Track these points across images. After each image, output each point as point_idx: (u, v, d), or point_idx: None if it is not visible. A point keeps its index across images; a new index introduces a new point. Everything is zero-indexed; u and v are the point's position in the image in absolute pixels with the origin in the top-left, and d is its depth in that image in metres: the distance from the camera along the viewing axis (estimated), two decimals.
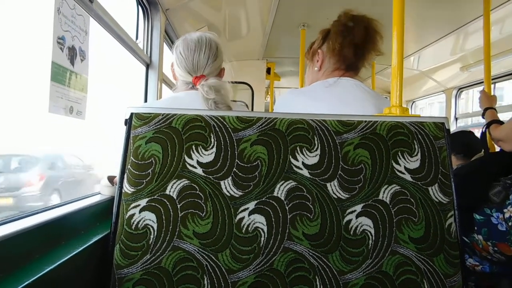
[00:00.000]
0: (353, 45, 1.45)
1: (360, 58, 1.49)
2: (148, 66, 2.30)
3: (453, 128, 3.77)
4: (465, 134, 2.66)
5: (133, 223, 0.96)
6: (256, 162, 0.99)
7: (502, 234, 1.57)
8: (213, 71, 1.40)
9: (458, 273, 0.97)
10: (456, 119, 3.93)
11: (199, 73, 1.37)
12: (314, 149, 1.00)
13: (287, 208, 0.98)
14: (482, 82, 2.27)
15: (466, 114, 3.92)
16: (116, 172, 1.04)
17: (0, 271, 0.72)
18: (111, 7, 1.52)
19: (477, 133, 2.66)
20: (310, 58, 1.66)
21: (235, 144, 1.00)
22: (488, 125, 1.86)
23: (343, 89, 1.43)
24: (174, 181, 0.98)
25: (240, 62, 4.22)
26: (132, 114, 1.01)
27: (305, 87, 1.58)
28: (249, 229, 0.97)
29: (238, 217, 0.97)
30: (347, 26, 1.47)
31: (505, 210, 1.56)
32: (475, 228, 1.66)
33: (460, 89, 3.92)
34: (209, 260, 0.95)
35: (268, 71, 4.45)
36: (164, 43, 2.49)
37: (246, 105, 4.46)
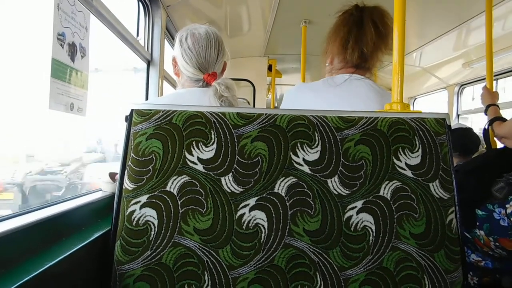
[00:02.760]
0: (360, 49, 1.44)
1: (369, 58, 1.47)
2: (149, 63, 2.30)
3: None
4: (461, 131, 2.65)
5: (133, 219, 0.96)
6: (257, 159, 0.99)
7: (504, 229, 1.57)
8: (220, 67, 1.40)
9: (459, 268, 0.97)
10: (458, 115, 3.92)
11: (210, 70, 1.35)
12: (315, 145, 1.00)
13: (287, 204, 0.98)
14: (485, 78, 2.26)
15: (468, 111, 3.91)
16: (117, 168, 1.04)
17: (0, 266, 0.72)
18: (112, 3, 1.52)
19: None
20: (323, 51, 1.64)
21: (236, 140, 1.00)
22: (491, 122, 1.86)
23: (349, 87, 1.42)
24: (175, 177, 0.98)
25: (241, 59, 4.22)
26: (132, 110, 1.01)
27: (313, 82, 1.57)
28: (250, 225, 0.97)
29: (239, 213, 0.97)
30: (356, 25, 1.44)
31: (507, 206, 1.56)
32: (477, 223, 1.66)
33: (462, 85, 3.90)
34: (209, 256, 0.95)
35: (270, 68, 4.44)
36: (165, 40, 2.49)
37: (248, 102, 4.47)
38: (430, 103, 4.85)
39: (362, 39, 1.43)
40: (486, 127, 1.92)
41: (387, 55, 1.49)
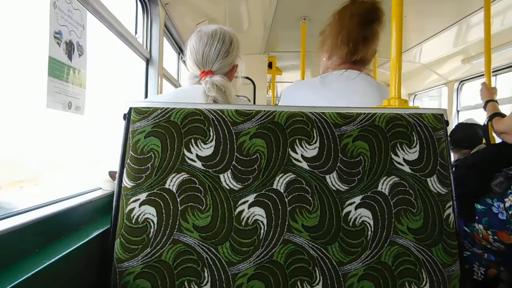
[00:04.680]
0: (358, 43, 1.43)
1: (366, 53, 1.46)
2: (148, 61, 2.29)
3: (455, 121, 3.76)
4: (467, 127, 2.68)
5: (133, 217, 0.96)
6: (255, 155, 0.99)
7: (502, 223, 1.58)
8: (223, 68, 1.35)
9: (456, 262, 0.98)
10: (458, 111, 3.92)
11: (207, 68, 1.32)
12: (313, 141, 1.00)
13: (286, 200, 0.98)
14: (483, 74, 2.26)
15: (468, 107, 3.90)
16: (116, 167, 1.05)
17: (0, 265, 0.73)
18: (109, 1, 1.51)
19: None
20: (320, 45, 1.63)
21: (234, 137, 1.00)
22: (490, 117, 1.86)
23: (348, 83, 1.42)
24: (174, 175, 0.98)
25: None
26: (130, 108, 1.02)
27: (311, 78, 1.56)
28: (249, 221, 0.97)
29: (238, 210, 0.97)
30: (364, 20, 1.44)
31: (506, 200, 1.57)
32: (476, 218, 1.67)
33: (462, 81, 3.90)
34: (209, 253, 0.96)
35: (270, 65, 4.44)
36: (164, 38, 2.48)
37: (248, 100, 4.47)
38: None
39: (373, 35, 1.43)
40: (486, 122, 1.93)
41: (384, 51, 1.50)
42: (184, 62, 1.44)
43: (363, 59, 1.48)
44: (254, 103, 4.38)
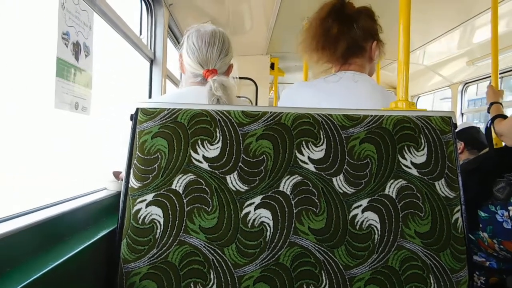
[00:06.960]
0: (334, 41, 1.43)
1: (351, 51, 1.45)
2: (152, 61, 2.30)
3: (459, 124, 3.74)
4: (477, 129, 2.66)
5: (139, 218, 0.96)
6: (262, 157, 0.99)
7: (508, 232, 1.56)
8: (223, 67, 1.40)
9: (465, 268, 0.97)
10: (462, 114, 3.90)
11: (210, 67, 1.36)
12: (320, 143, 1.00)
13: (292, 202, 0.98)
14: (489, 76, 2.25)
15: (472, 110, 3.89)
16: (121, 167, 1.04)
17: (6, 265, 0.72)
18: (115, 2, 1.52)
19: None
20: (314, 49, 1.62)
21: (241, 138, 0.99)
22: (493, 119, 1.84)
23: (350, 85, 1.40)
24: (180, 176, 0.98)
25: (243, 57, 4.21)
26: (137, 109, 1.01)
27: (313, 80, 1.55)
28: (255, 223, 0.97)
29: (244, 211, 0.97)
30: (322, 23, 1.47)
31: (510, 208, 1.55)
32: (480, 225, 1.65)
33: (466, 84, 3.89)
34: (215, 254, 0.95)
35: (272, 66, 4.43)
36: (168, 39, 2.49)
37: (250, 101, 4.47)
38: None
39: (334, 30, 1.44)
40: (488, 125, 1.91)
41: (389, 53, 1.48)
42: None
43: (353, 59, 1.47)
44: (256, 104, 4.38)
